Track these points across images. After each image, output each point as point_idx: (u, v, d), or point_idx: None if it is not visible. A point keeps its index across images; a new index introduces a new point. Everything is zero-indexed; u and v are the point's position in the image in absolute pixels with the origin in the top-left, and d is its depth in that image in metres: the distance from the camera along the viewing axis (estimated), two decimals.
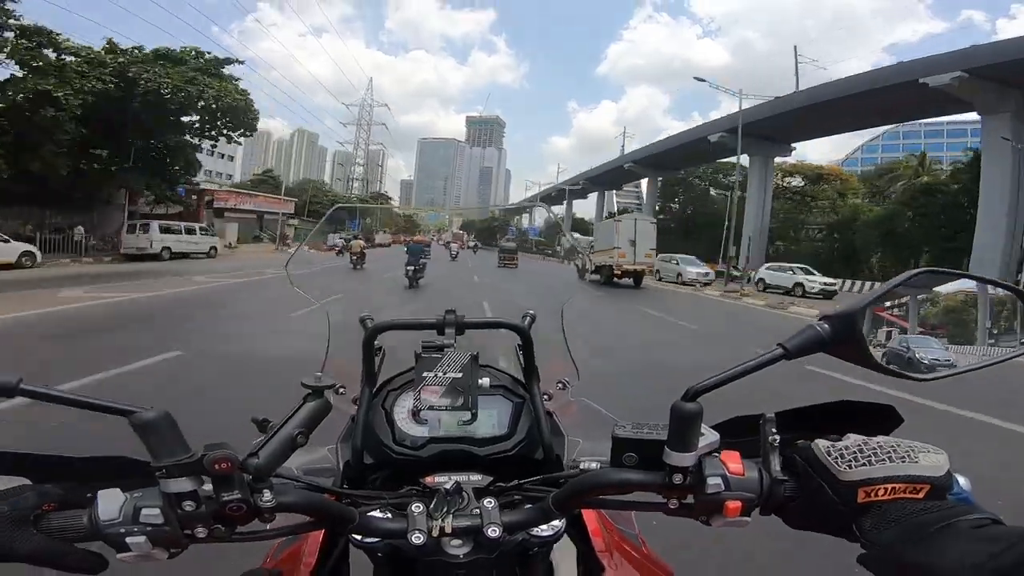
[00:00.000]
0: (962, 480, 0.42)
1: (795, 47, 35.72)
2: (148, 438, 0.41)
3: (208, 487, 0.41)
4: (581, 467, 0.59)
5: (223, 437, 0.42)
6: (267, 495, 0.43)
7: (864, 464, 0.41)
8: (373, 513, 0.53)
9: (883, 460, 0.41)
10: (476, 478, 0.61)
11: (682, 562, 0.70)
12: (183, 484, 0.41)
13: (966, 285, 0.51)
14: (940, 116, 29.16)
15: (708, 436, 0.43)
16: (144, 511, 0.41)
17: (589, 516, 0.69)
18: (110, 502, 0.41)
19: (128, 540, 0.41)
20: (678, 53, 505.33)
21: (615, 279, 19.26)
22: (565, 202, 62.34)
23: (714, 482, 0.42)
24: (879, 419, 0.52)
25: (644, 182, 53.74)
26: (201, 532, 0.42)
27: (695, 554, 1.82)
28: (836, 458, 0.41)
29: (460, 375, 0.60)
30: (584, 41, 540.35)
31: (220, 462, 0.40)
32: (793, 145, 34.87)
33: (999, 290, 0.51)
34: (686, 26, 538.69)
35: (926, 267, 0.50)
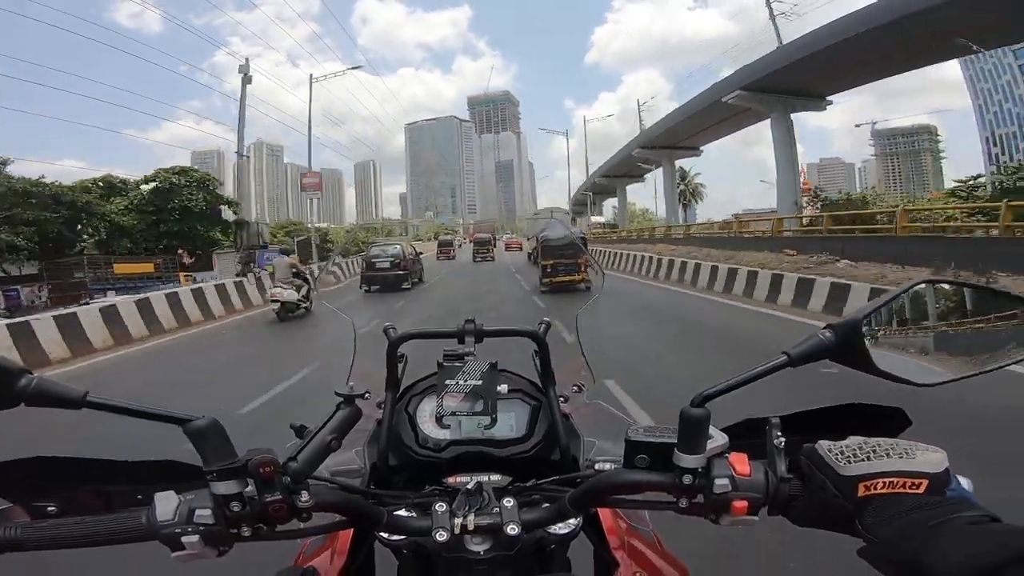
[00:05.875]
0: (963, 480, 0.46)
1: None
2: (200, 444, 0.48)
3: (251, 489, 0.48)
4: (596, 467, 0.66)
5: None
6: (305, 496, 0.50)
7: (863, 460, 0.46)
8: (399, 512, 0.60)
9: (881, 456, 0.45)
10: (496, 478, 0.69)
11: (697, 560, 0.78)
12: (231, 486, 0.47)
13: (965, 293, 0.56)
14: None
15: (717, 438, 0.49)
16: (197, 512, 0.48)
17: (605, 514, 0.75)
18: (166, 504, 0.48)
19: (184, 540, 0.47)
20: (671, 28, 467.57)
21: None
22: (589, 205, 61.19)
23: (722, 483, 0.49)
24: (887, 421, 0.58)
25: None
26: (246, 531, 0.49)
27: (710, 553, 1.97)
28: (837, 455, 0.47)
29: (480, 382, 0.68)
30: (567, 28, 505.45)
31: (264, 466, 0.47)
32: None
33: (998, 298, 0.55)
34: None
35: (928, 277, 0.55)
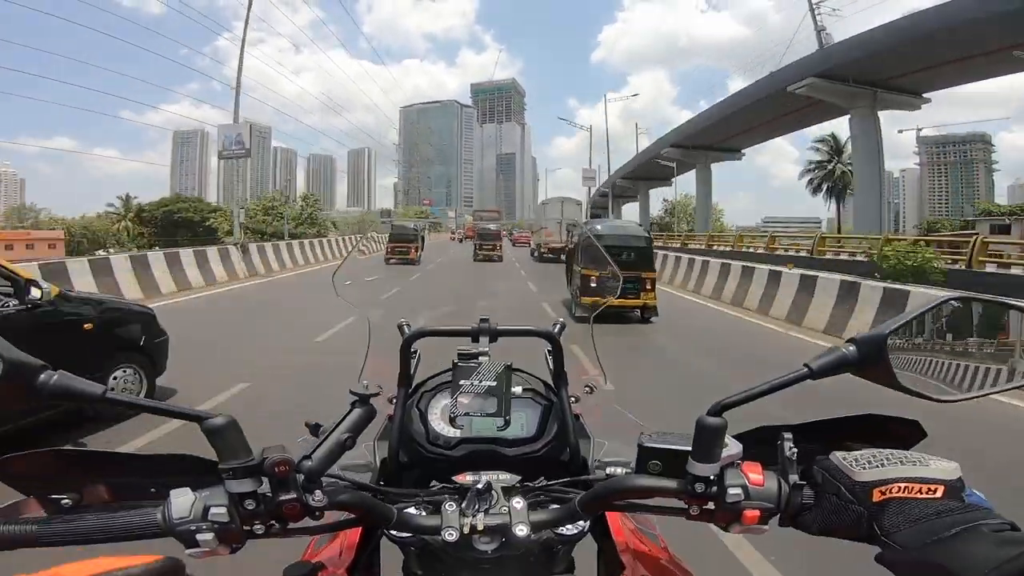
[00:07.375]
0: (978, 493, 0.47)
1: None
2: (216, 442, 0.49)
3: (266, 487, 0.50)
4: (608, 471, 0.68)
5: None
6: (319, 495, 0.52)
7: (877, 467, 0.47)
8: (409, 510, 0.62)
9: (895, 463, 0.47)
10: (505, 477, 0.70)
11: (704, 566, 0.78)
12: (245, 485, 0.49)
13: (996, 311, 0.57)
14: None
15: (731, 447, 0.51)
16: (212, 510, 0.49)
17: (611, 516, 0.76)
18: (182, 501, 0.50)
19: (198, 537, 0.49)
20: (681, 29, 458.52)
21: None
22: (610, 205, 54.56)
23: (734, 492, 0.50)
24: (903, 433, 0.58)
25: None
26: (259, 529, 0.51)
27: (717, 559, 2.04)
28: (851, 462, 0.48)
29: (495, 383, 0.70)
30: (575, 26, 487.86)
31: (279, 465, 0.49)
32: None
33: None
34: None
35: (958, 294, 0.56)
